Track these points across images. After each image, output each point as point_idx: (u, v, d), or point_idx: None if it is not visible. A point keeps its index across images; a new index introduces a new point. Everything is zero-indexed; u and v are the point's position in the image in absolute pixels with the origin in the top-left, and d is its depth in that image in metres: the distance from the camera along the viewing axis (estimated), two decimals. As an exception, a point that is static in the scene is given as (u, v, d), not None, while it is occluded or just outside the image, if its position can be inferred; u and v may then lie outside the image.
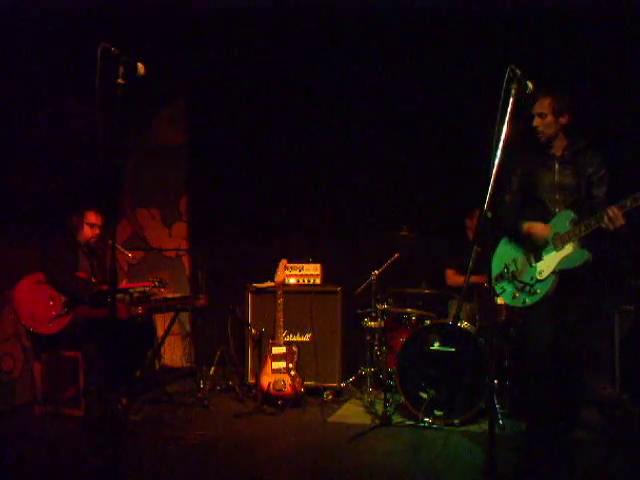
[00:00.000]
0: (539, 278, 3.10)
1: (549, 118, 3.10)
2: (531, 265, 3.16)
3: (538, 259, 3.13)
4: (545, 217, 3.14)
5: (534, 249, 3.16)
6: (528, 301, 3.12)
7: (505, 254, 3.30)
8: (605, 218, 2.84)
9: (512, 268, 3.23)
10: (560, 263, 3.04)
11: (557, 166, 3.16)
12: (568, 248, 3.04)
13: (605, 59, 4.61)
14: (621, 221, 2.80)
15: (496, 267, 3.28)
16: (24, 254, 4.46)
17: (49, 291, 4.18)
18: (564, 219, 3.08)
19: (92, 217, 4.39)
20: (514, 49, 4.53)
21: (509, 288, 3.22)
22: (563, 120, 3.11)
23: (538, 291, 3.09)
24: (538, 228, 3.14)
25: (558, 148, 3.19)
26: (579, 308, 3.09)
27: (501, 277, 3.28)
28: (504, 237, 3.36)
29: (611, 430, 3.74)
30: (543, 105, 3.11)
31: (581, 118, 3.19)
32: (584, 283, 3.09)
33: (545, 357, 3.06)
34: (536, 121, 3.13)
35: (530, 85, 2.61)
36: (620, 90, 4.57)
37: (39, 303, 4.14)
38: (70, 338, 4.14)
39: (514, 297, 3.19)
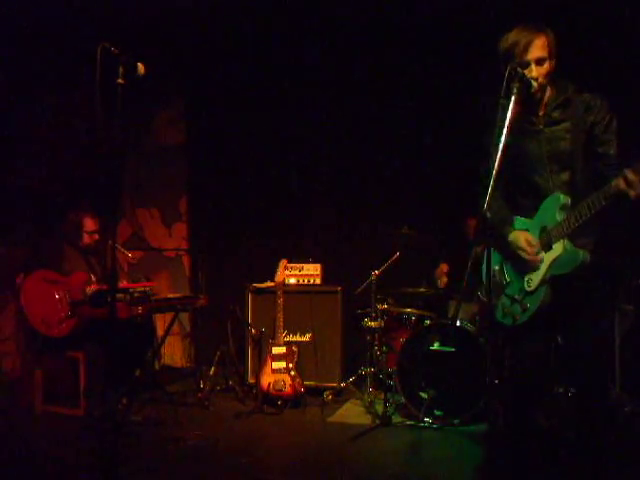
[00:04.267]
0: (528, 289, 2.50)
1: (547, 63, 2.40)
2: (519, 274, 2.57)
3: (525, 268, 2.54)
4: (539, 204, 2.53)
5: (518, 257, 2.54)
6: (519, 319, 2.52)
7: (493, 257, 2.67)
8: (622, 182, 2.16)
9: (501, 278, 2.63)
10: (550, 268, 2.44)
11: (544, 131, 2.48)
12: (557, 248, 2.42)
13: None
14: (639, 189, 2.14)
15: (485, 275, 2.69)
16: (24, 254, 4.46)
17: (55, 291, 4.18)
18: (552, 207, 2.44)
19: (89, 224, 4.44)
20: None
21: (500, 302, 2.63)
22: (554, 64, 2.43)
23: (528, 306, 2.49)
24: (529, 250, 2.47)
25: (540, 105, 2.49)
26: (587, 314, 2.47)
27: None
28: None
29: (612, 431, 3.73)
30: (540, 46, 2.38)
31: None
32: (585, 290, 2.44)
33: (534, 378, 2.60)
34: (535, 71, 2.38)
35: (535, 84, 2.35)
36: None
37: (48, 305, 4.13)
38: (73, 338, 4.13)
39: (505, 314, 2.60)
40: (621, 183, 2.17)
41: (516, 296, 2.55)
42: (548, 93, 2.48)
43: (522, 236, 2.50)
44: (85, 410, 4.03)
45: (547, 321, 2.54)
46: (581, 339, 2.49)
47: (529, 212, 2.57)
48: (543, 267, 2.46)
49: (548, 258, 2.45)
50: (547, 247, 2.46)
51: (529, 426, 2.63)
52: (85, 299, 4.15)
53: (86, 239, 4.45)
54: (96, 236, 4.47)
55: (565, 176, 2.47)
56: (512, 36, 2.43)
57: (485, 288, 2.76)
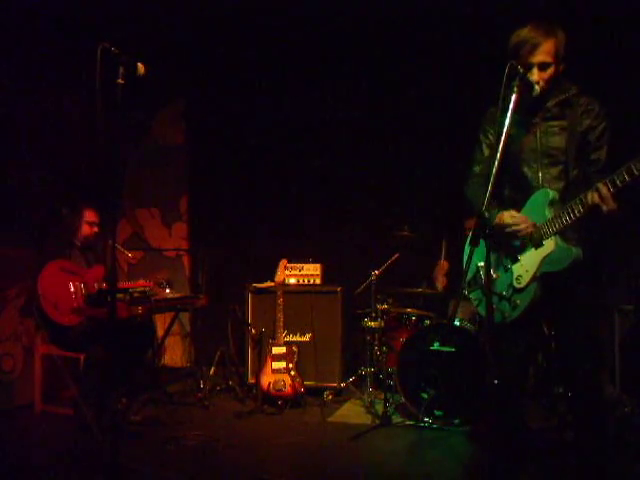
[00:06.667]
0: (517, 286, 2.45)
1: (552, 68, 2.38)
2: (506, 270, 2.51)
3: (514, 261, 2.48)
4: (527, 197, 2.50)
5: (507, 247, 2.49)
6: (509, 317, 2.45)
7: (477, 253, 2.54)
8: (591, 197, 2.21)
9: (485, 274, 2.44)
10: (542, 265, 2.39)
11: (540, 124, 2.46)
12: (549, 245, 2.38)
13: None
14: (611, 204, 2.17)
15: (469, 270, 2.64)
16: (24, 254, 4.46)
17: (71, 282, 4.15)
18: (540, 202, 2.41)
19: (91, 215, 4.36)
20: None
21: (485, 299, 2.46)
22: (562, 68, 2.41)
23: (518, 303, 2.44)
24: (517, 221, 2.42)
25: (541, 104, 2.47)
26: (580, 311, 2.43)
27: (475, 283, 2.63)
28: None
29: (611, 430, 3.74)
30: (546, 51, 2.35)
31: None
32: (578, 286, 2.41)
33: (517, 378, 2.56)
34: (536, 74, 2.36)
35: (537, 88, 2.32)
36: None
37: (61, 293, 4.09)
38: (75, 338, 4.11)
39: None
40: (595, 197, 2.20)
41: (504, 293, 2.49)
42: (551, 94, 2.45)
43: (505, 214, 2.46)
44: (75, 412, 3.96)
45: (536, 318, 2.50)
46: (572, 336, 2.46)
47: (515, 206, 2.52)
48: (535, 264, 2.41)
49: (539, 255, 2.40)
50: (538, 244, 2.41)
51: (513, 426, 2.59)
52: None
53: (85, 230, 4.34)
54: (96, 228, 4.38)
55: (555, 171, 2.45)
56: (523, 33, 2.39)
57: (467, 284, 2.69)
